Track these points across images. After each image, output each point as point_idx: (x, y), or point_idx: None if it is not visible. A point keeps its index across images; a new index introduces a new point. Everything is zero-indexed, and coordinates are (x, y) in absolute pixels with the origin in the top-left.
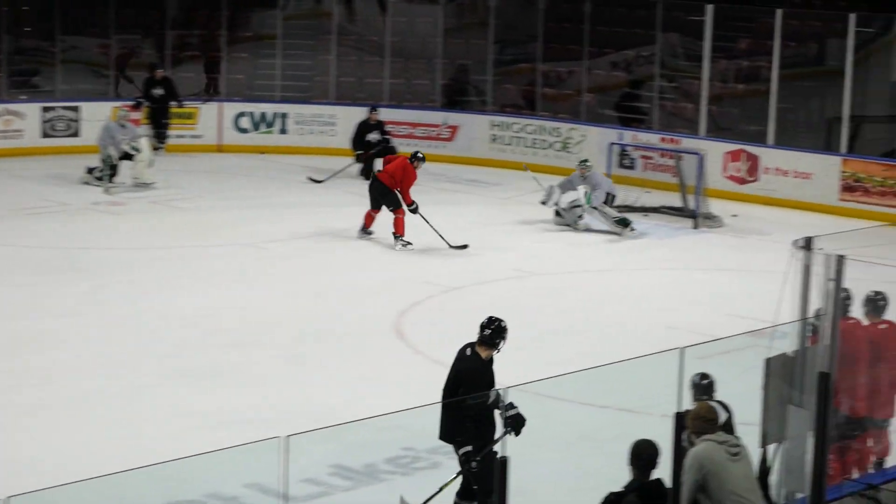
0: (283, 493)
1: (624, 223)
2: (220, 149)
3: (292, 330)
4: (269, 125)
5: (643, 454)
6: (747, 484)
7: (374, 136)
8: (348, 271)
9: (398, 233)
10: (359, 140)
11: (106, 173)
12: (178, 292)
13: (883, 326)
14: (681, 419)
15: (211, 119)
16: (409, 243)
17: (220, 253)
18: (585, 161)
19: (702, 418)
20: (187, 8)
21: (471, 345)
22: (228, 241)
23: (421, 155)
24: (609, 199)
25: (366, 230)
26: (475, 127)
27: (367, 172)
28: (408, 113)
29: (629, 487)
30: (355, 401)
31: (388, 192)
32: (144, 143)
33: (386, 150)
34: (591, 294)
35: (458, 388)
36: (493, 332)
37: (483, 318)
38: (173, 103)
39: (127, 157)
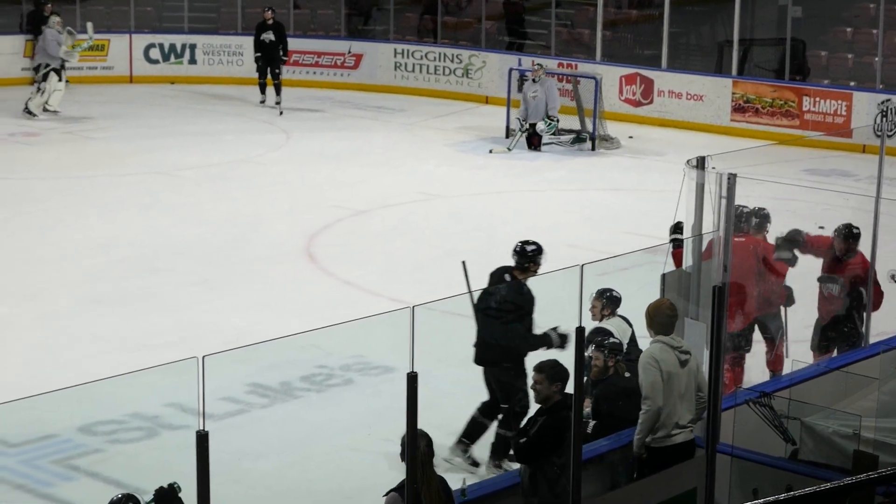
0: (201, 411)
1: (580, 139)
2: (132, 80)
3: (204, 255)
4: (179, 56)
5: (549, 373)
6: (687, 390)
7: (268, 37)
8: (259, 196)
9: None
10: (255, 40)
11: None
12: (92, 221)
13: (771, 241)
14: (582, 333)
15: (122, 51)
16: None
17: (132, 181)
18: (540, 65)
19: (663, 315)
20: None
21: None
22: (140, 170)
23: None
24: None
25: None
26: (379, 55)
27: (263, 73)
28: (313, 42)
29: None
30: (269, 321)
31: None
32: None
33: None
34: (493, 215)
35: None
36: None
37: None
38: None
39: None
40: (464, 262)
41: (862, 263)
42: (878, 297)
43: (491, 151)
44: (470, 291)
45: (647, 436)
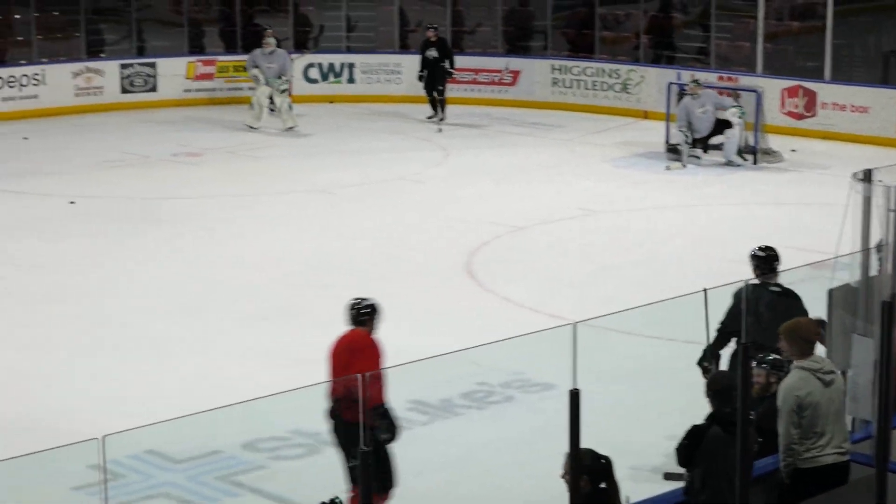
0: (362, 427)
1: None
2: (292, 99)
3: (363, 272)
4: (338, 75)
5: (720, 385)
6: (835, 411)
7: (432, 53)
8: (418, 213)
9: None
10: (421, 58)
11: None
12: (252, 238)
13: None
14: (747, 350)
15: None
16: None
17: (293, 199)
18: (696, 81)
19: (807, 331)
20: None
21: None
22: (301, 188)
23: None
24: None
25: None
26: (536, 71)
27: (429, 90)
28: (470, 59)
29: (709, 419)
30: (428, 338)
31: None
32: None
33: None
34: (654, 230)
35: None
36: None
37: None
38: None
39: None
40: (705, 290)
41: None
42: None
43: (668, 168)
44: (707, 323)
45: (787, 466)
